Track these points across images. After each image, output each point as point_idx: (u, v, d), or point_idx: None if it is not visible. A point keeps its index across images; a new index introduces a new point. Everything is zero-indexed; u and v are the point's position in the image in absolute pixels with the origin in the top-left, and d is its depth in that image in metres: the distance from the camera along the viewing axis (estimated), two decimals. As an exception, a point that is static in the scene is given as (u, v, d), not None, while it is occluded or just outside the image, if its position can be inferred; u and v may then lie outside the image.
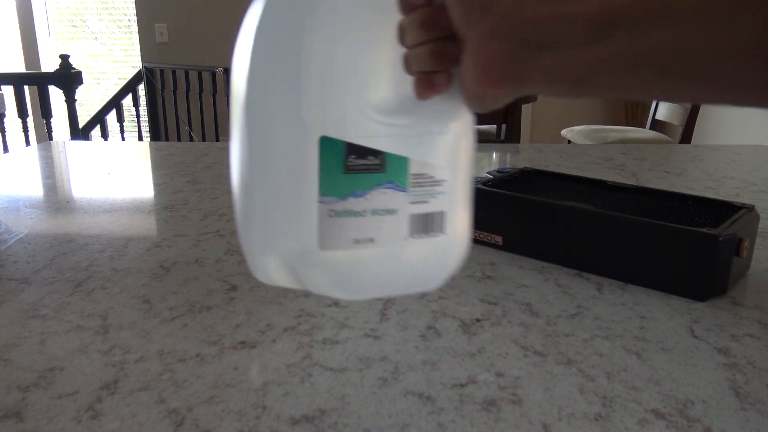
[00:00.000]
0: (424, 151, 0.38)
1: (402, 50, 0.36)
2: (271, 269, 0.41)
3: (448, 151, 0.39)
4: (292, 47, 0.37)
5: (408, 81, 0.37)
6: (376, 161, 0.37)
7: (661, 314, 0.48)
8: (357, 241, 0.38)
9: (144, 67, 3.84)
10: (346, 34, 0.36)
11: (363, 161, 0.37)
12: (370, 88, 0.37)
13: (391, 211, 0.39)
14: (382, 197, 0.38)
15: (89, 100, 4.77)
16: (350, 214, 0.38)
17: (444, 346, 0.43)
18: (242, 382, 0.39)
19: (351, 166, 0.37)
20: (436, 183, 0.39)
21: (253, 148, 0.39)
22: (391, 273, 0.41)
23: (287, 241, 0.39)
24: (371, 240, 0.39)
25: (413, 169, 0.38)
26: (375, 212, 0.38)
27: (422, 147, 0.38)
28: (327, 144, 0.37)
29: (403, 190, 0.39)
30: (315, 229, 0.38)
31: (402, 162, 0.38)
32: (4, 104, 3.23)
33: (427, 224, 0.40)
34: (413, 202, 0.39)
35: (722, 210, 0.55)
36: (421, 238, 0.40)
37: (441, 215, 0.40)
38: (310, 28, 0.36)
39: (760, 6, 0.19)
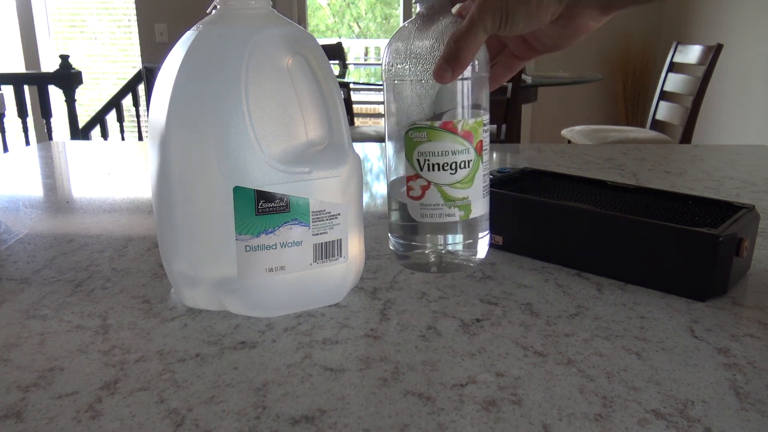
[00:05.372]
0: (320, 192, 0.45)
1: (295, 112, 0.44)
2: (197, 296, 0.47)
3: (341, 190, 0.46)
4: (207, 112, 0.42)
5: (302, 136, 0.45)
6: (282, 203, 0.44)
7: (661, 314, 0.48)
8: (270, 270, 0.45)
9: (144, 67, 3.84)
10: (251, 100, 0.42)
11: (271, 204, 0.44)
12: (272, 143, 0.43)
13: (297, 243, 0.45)
14: (289, 232, 0.45)
15: (89, 100, 4.77)
16: (263, 248, 0.44)
17: (444, 346, 0.43)
18: (242, 382, 0.39)
19: (261, 209, 0.43)
20: (333, 217, 0.46)
21: (175, 194, 0.44)
22: (300, 293, 0.47)
23: (210, 272, 0.45)
24: (282, 268, 0.45)
25: (313, 207, 0.45)
26: (284, 245, 0.45)
27: (318, 189, 0.45)
28: (240, 192, 0.43)
29: (306, 225, 0.45)
30: (234, 262, 0.44)
31: (303, 202, 0.44)
32: (4, 104, 3.23)
33: (328, 251, 0.47)
34: (315, 234, 0.46)
35: (722, 210, 0.55)
36: (324, 263, 0.47)
37: (339, 242, 0.47)
38: (221, 95, 0.42)
39: None
